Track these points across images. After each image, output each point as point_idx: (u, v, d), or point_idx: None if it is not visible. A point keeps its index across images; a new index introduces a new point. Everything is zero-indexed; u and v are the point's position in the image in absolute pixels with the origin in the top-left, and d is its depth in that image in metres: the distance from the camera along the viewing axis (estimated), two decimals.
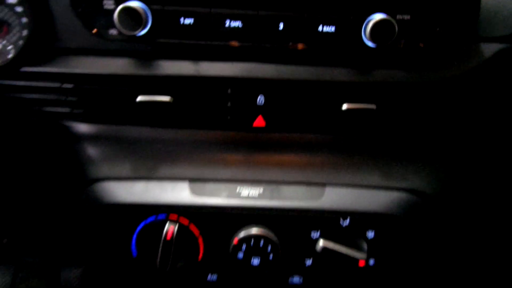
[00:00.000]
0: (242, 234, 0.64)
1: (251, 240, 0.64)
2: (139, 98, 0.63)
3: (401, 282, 0.73)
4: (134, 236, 0.66)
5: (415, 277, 0.73)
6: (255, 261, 0.65)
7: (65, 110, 0.66)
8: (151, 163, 0.68)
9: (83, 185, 0.68)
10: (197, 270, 0.68)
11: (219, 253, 0.66)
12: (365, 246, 0.66)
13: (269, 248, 0.64)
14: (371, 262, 0.68)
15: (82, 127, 0.69)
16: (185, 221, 0.65)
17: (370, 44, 0.61)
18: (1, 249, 1.43)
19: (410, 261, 0.71)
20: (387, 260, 0.68)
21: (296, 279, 0.69)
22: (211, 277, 0.68)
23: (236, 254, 0.64)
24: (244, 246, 0.64)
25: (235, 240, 0.64)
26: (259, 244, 0.64)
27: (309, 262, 0.68)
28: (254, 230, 0.64)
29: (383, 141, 0.69)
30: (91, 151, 0.69)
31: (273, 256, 0.65)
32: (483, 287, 0.83)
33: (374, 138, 0.69)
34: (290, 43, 0.62)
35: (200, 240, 0.66)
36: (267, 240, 0.64)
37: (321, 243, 0.65)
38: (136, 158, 0.68)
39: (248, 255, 0.64)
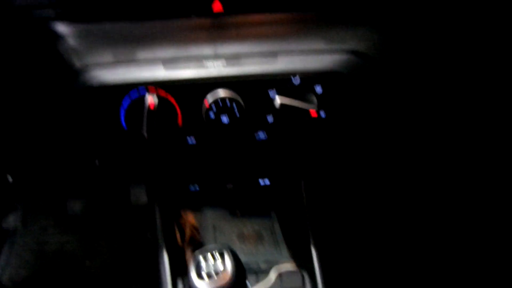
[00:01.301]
0: (211, 97, 0.77)
1: (219, 102, 0.77)
2: None
3: (352, 133, 0.87)
4: (122, 111, 0.79)
5: (364, 129, 0.87)
6: (225, 119, 0.78)
7: (51, 12, 0.77)
8: (128, 50, 0.79)
9: (75, 74, 0.80)
10: (179, 136, 0.81)
11: (195, 117, 0.79)
12: (315, 100, 0.80)
13: (235, 107, 0.77)
14: (322, 114, 0.82)
15: (67, 27, 0.80)
16: (163, 93, 0.77)
17: None
18: (8, 188, 1.56)
19: (357, 115, 0.85)
20: (336, 112, 0.82)
21: (262, 135, 0.83)
22: (191, 140, 0.82)
23: (208, 115, 0.78)
24: (214, 107, 0.77)
25: (206, 103, 0.77)
26: (226, 104, 0.77)
27: (270, 118, 0.81)
28: (221, 93, 0.77)
29: (326, 12, 0.81)
30: (78, 46, 0.80)
31: (239, 114, 0.78)
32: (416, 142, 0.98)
33: (318, 10, 0.81)
34: None
35: (178, 108, 0.79)
36: (232, 100, 0.77)
37: (278, 99, 0.78)
38: (115, 47, 0.79)
39: (218, 115, 0.78)
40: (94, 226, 1.63)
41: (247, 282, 0.94)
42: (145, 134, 0.79)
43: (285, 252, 1.04)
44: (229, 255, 0.68)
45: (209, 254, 0.70)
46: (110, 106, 0.79)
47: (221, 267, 0.67)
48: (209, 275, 0.67)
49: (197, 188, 1.04)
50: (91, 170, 1.31)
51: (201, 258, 0.70)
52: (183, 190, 1.05)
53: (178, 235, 1.04)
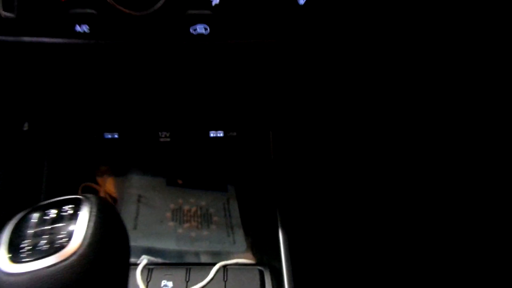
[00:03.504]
0: None
1: None
2: None
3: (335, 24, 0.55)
4: None
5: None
6: None
7: None
8: None
9: None
10: (61, 18, 0.49)
11: None
12: None
13: None
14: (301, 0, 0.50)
15: None
16: None
17: None
18: None
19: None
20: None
21: (200, 28, 0.51)
22: (82, 27, 0.50)
23: None
24: None
25: None
26: None
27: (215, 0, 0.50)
28: None
29: None
30: None
31: None
32: None
33: None
34: None
35: None
36: None
37: None
38: None
39: None
40: None
41: (168, 282, 0.60)
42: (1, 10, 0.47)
43: (241, 241, 0.71)
44: (89, 209, 0.33)
45: (51, 211, 0.34)
46: None
47: (64, 234, 0.32)
48: (35, 249, 0.31)
49: (115, 136, 0.71)
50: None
51: (34, 216, 0.34)
52: (95, 138, 0.72)
53: None
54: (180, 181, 0.79)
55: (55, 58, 0.54)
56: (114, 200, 0.75)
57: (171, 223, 0.71)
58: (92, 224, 0.32)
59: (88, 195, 0.34)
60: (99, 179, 0.76)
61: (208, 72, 0.58)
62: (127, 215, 0.70)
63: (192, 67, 0.57)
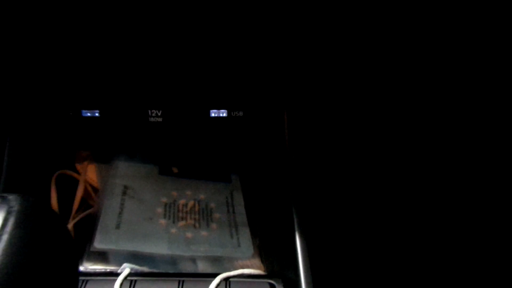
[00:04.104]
0: None
1: None
2: None
3: None
4: None
5: None
6: None
7: None
8: None
9: None
10: None
11: None
12: None
13: None
14: None
15: None
16: None
17: None
18: None
19: None
20: None
21: None
22: None
23: None
24: None
25: None
26: None
27: None
28: None
29: None
30: None
31: None
32: None
33: None
34: None
35: None
36: None
37: None
38: None
39: None
40: None
41: None
42: None
43: (246, 244, 0.59)
44: (2, 221, 0.21)
45: None
46: None
47: None
48: None
49: (96, 114, 0.59)
50: None
51: None
52: (71, 116, 0.60)
53: (54, 196, 0.59)
54: (175, 170, 0.67)
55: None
56: (94, 186, 0.64)
57: (162, 221, 0.59)
58: (3, 246, 0.19)
59: (9, 196, 0.22)
60: (78, 166, 0.64)
61: (207, 30, 0.45)
62: (109, 210, 0.58)
63: (187, 22, 0.44)
